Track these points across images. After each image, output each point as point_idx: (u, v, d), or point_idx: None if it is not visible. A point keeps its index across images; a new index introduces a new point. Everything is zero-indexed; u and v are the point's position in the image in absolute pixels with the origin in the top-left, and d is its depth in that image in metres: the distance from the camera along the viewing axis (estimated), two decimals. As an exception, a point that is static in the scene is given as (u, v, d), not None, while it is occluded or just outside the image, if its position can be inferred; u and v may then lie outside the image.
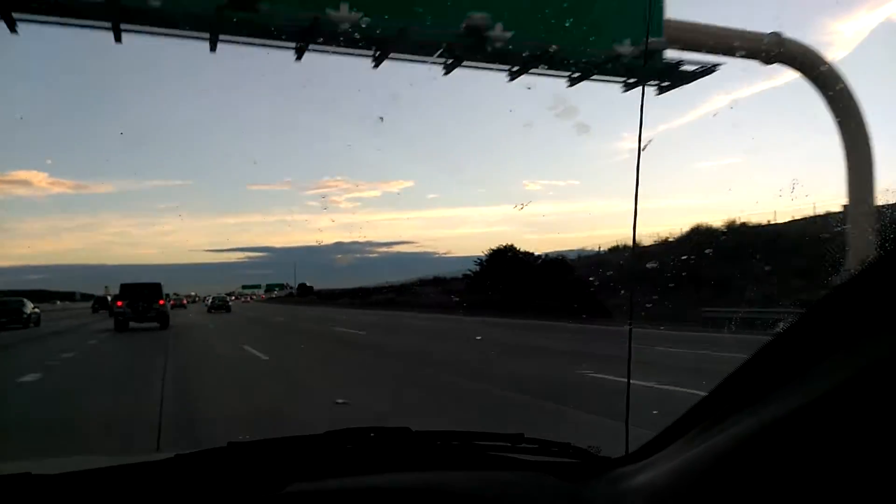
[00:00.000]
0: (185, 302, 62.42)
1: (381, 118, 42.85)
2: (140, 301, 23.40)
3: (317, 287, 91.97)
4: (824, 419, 0.76)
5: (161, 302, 24.11)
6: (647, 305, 15.04)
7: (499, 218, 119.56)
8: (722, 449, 0.90)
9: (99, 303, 48.00)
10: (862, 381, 0.73)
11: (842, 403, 0.75)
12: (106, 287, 47.65)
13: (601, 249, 40.17)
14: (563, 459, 1.31)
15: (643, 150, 1.57)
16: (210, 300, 52.37)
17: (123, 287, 24.03)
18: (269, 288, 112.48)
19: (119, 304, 23.72)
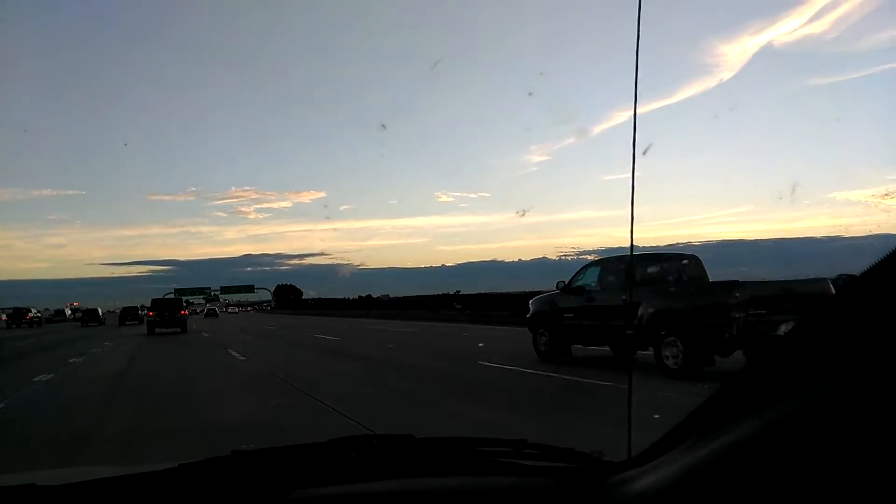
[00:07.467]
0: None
1: (384, 125, 42.14)
2: (166, 311, 31.01)
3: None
4: (829, 422, 0.76)
5: (183, 312, 31.86)
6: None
7: (412, 230, 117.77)
8: (724, 452, 0.90)
9: (88, 315, 50.81)
10: (867, 384, 0.74)
11: (847, 407, 0.75)
12: (98, 309, 55.33)
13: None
14: (565, 464, 1.31)
15: (643, 153, 1.57)
16: (205, 310, 67.82)
17: (154, 301, 32.14)
18: (226, 291, 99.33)
19: (150, 314, 31.17)
